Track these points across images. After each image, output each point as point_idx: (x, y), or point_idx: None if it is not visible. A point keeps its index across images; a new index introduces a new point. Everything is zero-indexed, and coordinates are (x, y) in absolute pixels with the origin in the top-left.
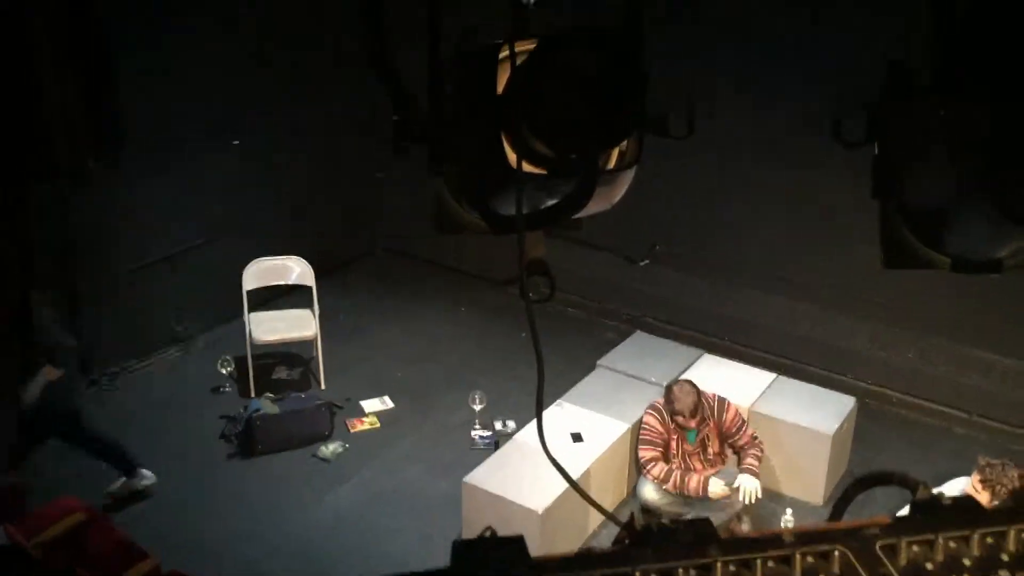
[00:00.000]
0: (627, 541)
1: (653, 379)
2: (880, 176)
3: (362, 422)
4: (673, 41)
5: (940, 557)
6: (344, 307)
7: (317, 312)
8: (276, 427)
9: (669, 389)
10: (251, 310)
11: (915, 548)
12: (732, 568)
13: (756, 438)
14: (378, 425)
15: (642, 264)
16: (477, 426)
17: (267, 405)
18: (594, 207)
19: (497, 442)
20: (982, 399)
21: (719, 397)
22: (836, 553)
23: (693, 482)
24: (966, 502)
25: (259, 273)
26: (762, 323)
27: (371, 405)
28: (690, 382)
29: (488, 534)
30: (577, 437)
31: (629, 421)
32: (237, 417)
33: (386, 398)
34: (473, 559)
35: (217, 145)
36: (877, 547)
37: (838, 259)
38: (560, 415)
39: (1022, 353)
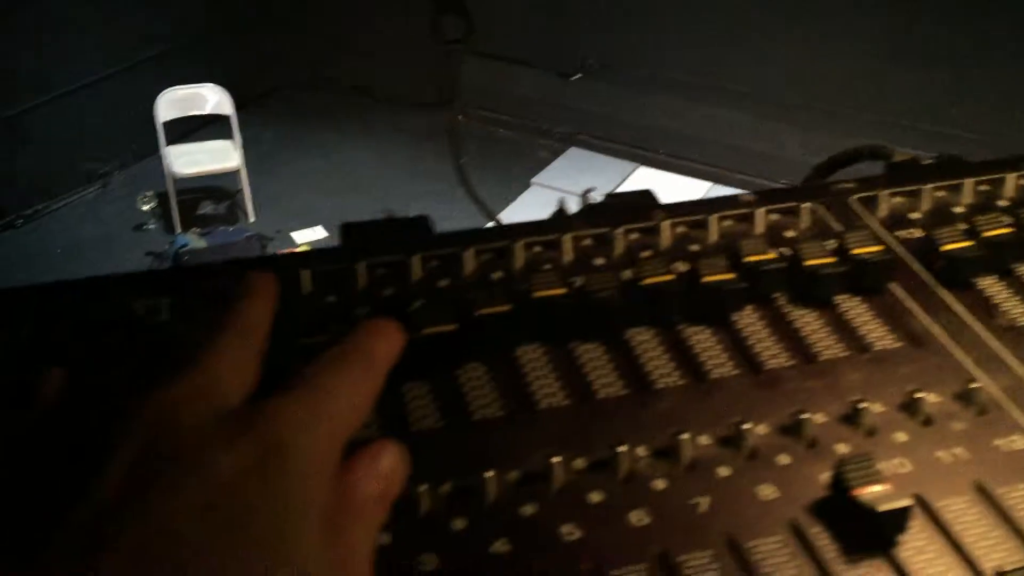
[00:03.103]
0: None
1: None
2: None
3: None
4: None
5: (927, 206)
6: (266, 139)
7: (239, 142)
8: (205, 262)
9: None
10: (168, 143)
11: (897, 199)
12: (681, 229)
13: None
14: None
15: (574, 79)
16: None
17: (194, 240)
18: None
19: None
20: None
21: None
22: (805, 208)
23: None
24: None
25: (173, 103)
26: (696, 134)
27: (303, 236)
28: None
29: (387, 214)
30: None
31: None
32: (163, 254)
33: (318, 228)
34: (368, 237)
35: None
36: (853, 199)
37: (768, 65)
38: None
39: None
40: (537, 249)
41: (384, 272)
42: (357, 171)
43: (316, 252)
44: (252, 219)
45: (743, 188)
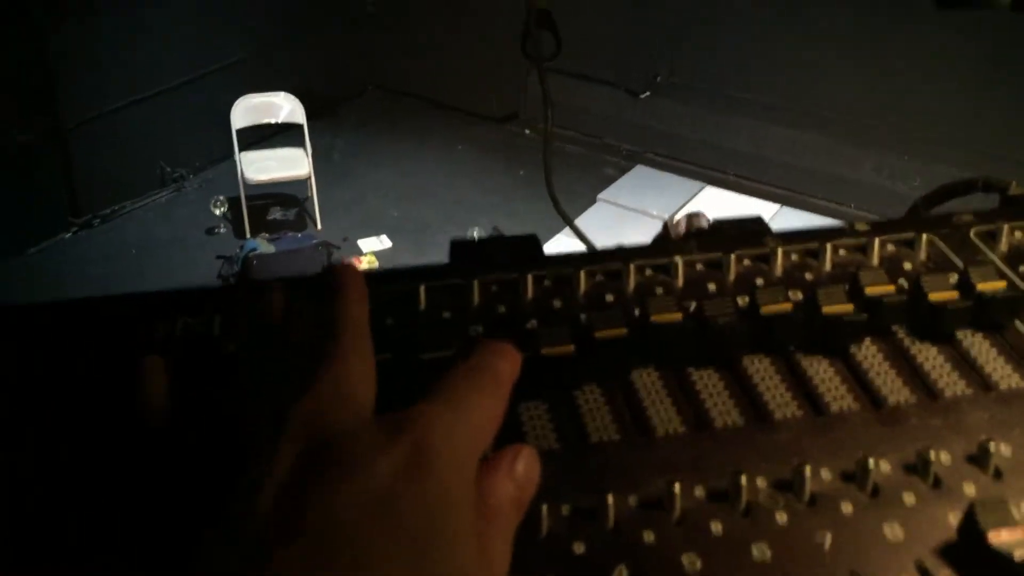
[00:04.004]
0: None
1: (654, 212)
2: None
3: (360, 261)
4: None
5: None
6: (337, 146)
7: (309, 151)
8: (273, 267)
9: (676, 224)
10: (242, 150)
11: (1019, 234)
12: (795, 257)
13: None
14: (376, 264)
15: (643, 96)
16: None
17: (263, 245)
18: None
19: None
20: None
21: None
22: (923, 239)
23: None
24: None
25: (248, 110)
26: (765, 155)
27: (368, 244)
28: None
29: (495, 233)
30: None
31: None
32: (233, 257)
33: (383, 237)
34: (477, 256)
35: None
36: (972, 233)
37: (843, 86)
38: (560, 250)
39: None
40: (648, 272)
41: (497, 290)
42: (424, 182)
43: (428, 268)
44: (319, 226)
45: (813, 212)
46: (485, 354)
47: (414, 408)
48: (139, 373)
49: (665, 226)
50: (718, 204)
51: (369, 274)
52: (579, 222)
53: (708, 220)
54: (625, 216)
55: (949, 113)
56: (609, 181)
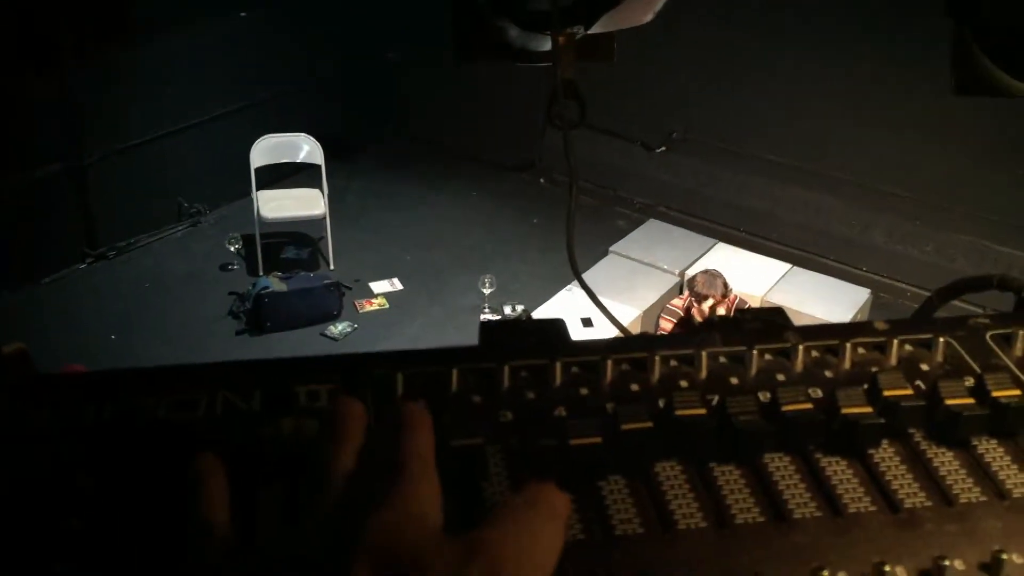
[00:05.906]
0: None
1: (665, 266)
2: None
3: (371, 303)
4: None
5: None
6: (353, 189)
7: (326, 191)
8: (284, 305)
9: (693, 279)
10: (259, 188)
11: None
12: (815, 354)
13: None
14: (387, 306)
15: (659, 151)
16: (486, 309)
17: (275, 283)
18: (632, 13)
19: None
20: (1001, 295)
21: (740, 299)
22: (940, 342)
23: None
24: None
25: (267, 150)
26: (778, 214)
27: (380, 286)
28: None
29: (524, 317)
30: (587, 322)
31: (640, 307)
32: (245, 294)
33: (395, 280)
34: (505, 338)
35: (224, 18)
36: (988, 336)
37: (858, 151)
38: (570, 300)
39: None
40: (673, 363)
41: (526, 375)
42: (437, 227)
43: (459, 350)
44: (332, 267)
45: (824, 273)
46: (543, 489)
47: (483, 533)
48: (196, 478)
49: (682, 288)
50: (729, 262)
51: (404, 353)
52: (590, 274)
53: (724, 278)
54: (636, 269)
55: (963, 181)
56: (621, 234)
